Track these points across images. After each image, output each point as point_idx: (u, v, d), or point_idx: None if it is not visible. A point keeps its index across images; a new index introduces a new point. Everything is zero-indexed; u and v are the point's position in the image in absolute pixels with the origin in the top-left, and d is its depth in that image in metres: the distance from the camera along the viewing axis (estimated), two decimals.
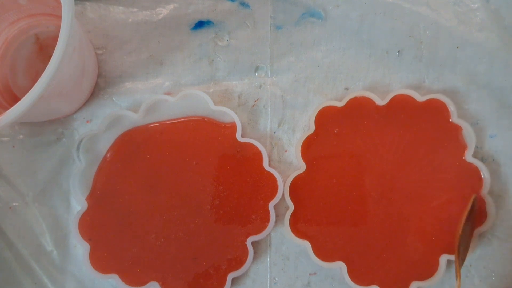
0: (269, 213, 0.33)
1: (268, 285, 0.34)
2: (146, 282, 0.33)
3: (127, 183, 0.33)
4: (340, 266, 0.32)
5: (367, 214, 0.33)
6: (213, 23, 0.35)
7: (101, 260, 0.33)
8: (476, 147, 0.33)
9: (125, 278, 0.33)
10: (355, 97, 0.33)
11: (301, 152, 0.33)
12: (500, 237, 0.33)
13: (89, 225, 0.33)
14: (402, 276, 0.32)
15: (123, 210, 0.33)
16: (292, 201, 0.33)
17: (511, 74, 0.34)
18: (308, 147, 0.34)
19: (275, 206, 0.33)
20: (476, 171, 0.32)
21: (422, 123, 0.33)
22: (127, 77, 0.35)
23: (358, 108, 0.33)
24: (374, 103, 0.33)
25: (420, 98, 0.33)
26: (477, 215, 0.32)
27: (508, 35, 0.33)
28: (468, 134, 0.32)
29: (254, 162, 0.33)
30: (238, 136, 0.33)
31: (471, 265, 0.33)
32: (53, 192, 0.35)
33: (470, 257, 0.32)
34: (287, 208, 0.34)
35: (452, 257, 0.32)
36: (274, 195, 0.33)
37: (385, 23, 0.34)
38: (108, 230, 0.33)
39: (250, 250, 0.33)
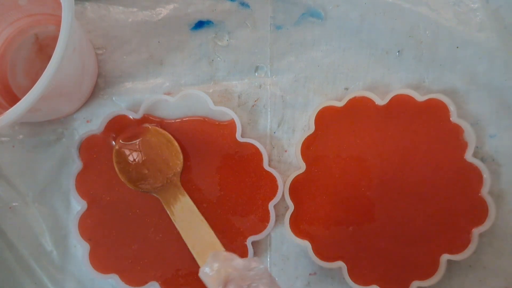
0: (269, 213, 0.33)
1: None
2: (146, 282, 0.33)
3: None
4: (340, 266, 0.32)
5: (367, 214, 0.33)
6: (213, 23, 0.35)
7: (101, 260, 0.33)
8: (476, 147, 0.33)
9: (125, 278, 0.33)
10: (355, 97, 0.33)
11: (301, 152, 0.33)
12: (500, 237, 0.33)
13: (89, 225, 0.33)
14: (402, 276, 0.32)
15: (123, 210, 0.33)
16: (292, 201, 0.33)
17: (511, 74, 0.34)
18: (308, 147, 0.34)
19: (275, 206, 0.33)
20: (476, 171, 0.32)
21: (422, 123, 0.33)
22: (127, 77, 0.35)
23: (358, 108, 0.33)
24: (374, 103, 0.33)
25: (420, 98, 0.33)
26: (477, 215, 0.32)
27: (508, 35, 0.33)
28: (468, 134, 0.32)
29: (254, 162, 0.33)
30: (238, 136, 0.33)
31: (471, 265, 0.33)
32: (53, 192, 0.35)
33: (470, 257, 0.32)
34: (287, 208, 0.34)
35: (453, 257, 0.32)
36: (274, 195, 0.33)
37: (385, 23, 0.34)
38: (108, 230, 0.33)
39: (250, 250, 0.33)
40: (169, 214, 0.32)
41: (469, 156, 0.32)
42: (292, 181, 0.33)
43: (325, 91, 0.35)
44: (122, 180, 0.33)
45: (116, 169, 0.33)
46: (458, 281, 0.33)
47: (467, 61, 0.34)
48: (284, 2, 0.35)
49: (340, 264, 0.32)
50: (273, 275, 0.33)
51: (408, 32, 0.34)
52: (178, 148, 0.33)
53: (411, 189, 0.33)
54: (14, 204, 0.35)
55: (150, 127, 0.33)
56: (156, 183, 0.33)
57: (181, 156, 0.33)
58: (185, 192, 0.33)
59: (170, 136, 0.33)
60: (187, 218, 0.32)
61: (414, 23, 0.34)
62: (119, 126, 0.34)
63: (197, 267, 0.33)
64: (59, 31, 0.25)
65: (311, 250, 0.33)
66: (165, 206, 0.32)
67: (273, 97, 0.35)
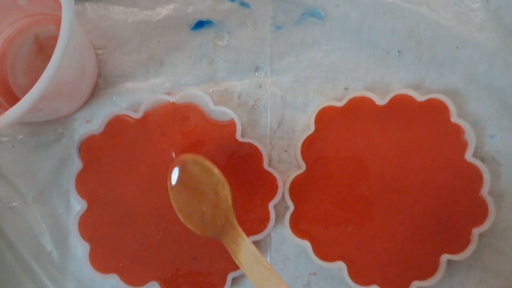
0: (269, 213, 0.33)
1: None
2: (146, 282, 0.33)
3: (126, 183, 0.33)
4: (340, 266, 0.32)
5: (367, 214, 0.33)
6: (213, 23, 0.35)
7: (101, 260, 0.33)
8: (476, 147, 0.33)
9: (125, 278, 0.33)
10: (355, 97, 0.33)
11: (301, 152, 0.33)
12: (500, 237, 0.33)
13: (89, 225, 0.33)
14: (402, 276, 0.32)
15: (123, 210, 0.33)
16: (292, 201, 0.33)
17: (511, 74, 0.34)
18: (308, 147, 0.34)
19: (275, 206, 0.33)
20: (476, 171, 0.32)
21: (422, 123, 0.33)
22: (127, 77, 0.35)
23: (358, 108, 0.33)
24: (374, 103, 0.33)
25: (420, 98, 0.33)
26: (477, 215, 0.32)
27: (508, 35, 0.33)
28: (468, 134, 0.32)
29: (254, 162, 0.33)
30: (238, 136, 0.33)
31: (471, 265, 0.33)
32: (53, 192, 0.35)
33: (470, 257, 0.32)
34: (287, 208, 0.34)
35: (453, 257, 0.32)
36: (274, 195, 0.33)
37: (385, 23, 0.34)
38: (108, 230, 0.33)
39: None
40: (239, 265, 0.27)
41: (469, 156, 0.32)
42: (292, 181, 0.33)
43: (325, 91, 0.35)
44: (191, 228, 0.28)
45: (181, 218, 0.29)
46: (458, 281, 0.33)
47: (467, 61, 0.34)
48: (284, 2, 0.35)
49: (340, 264, 0.32)
50: None
51: (408, 32, 0.34)
52: (221, 176, 0.28)
53: (411, 189, 0.33)
54: (14, 204, 0.35)
55: (185, 157, 0.29)
56: (216, 222, 0.28)
57: (227, 185, 0.28)
58: (243, 234, 0.27)
59: (207, 162, 0.29)
60: (255, 268, 0.26)
61: (414, 23, 0.34)
62: (119, 127, 0.34)
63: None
64: (59, 31, 0.25)
65: (311, 250, 0.33)
66: (232, 256, 0.27)
67: (273, 97, 0.35)
